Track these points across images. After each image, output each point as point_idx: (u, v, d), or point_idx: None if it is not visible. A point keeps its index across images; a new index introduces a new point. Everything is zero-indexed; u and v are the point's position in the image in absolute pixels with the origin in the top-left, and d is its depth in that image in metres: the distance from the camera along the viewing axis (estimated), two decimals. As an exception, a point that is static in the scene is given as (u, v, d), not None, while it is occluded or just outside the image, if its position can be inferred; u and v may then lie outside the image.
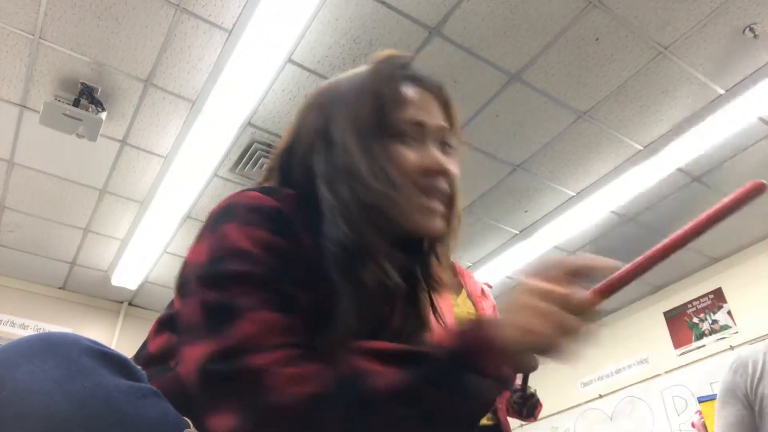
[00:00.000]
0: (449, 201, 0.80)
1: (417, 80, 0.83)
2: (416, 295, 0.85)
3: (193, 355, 0.61)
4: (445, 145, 0.81)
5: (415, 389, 0.59)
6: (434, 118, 0.81)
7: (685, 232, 0.65)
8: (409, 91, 0.81)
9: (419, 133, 0.79)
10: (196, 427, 0.60)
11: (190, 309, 0.65)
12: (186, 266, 0.70)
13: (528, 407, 1.62)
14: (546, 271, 0.64)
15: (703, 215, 0.65)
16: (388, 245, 0.73)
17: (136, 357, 0.75)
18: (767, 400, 1.43)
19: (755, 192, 0.65)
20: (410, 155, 0.77)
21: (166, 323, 0.74)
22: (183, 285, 0.69)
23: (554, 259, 0.66)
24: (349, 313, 0.67)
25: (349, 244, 0.70)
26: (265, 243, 0.67)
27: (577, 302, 0.61)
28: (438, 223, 0.78)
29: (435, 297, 0.87)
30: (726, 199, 0.65)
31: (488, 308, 1.96)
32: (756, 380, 1.47)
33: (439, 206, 0.78)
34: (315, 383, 0.58)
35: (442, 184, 0.78)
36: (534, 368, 0.63)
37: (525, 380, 1.59)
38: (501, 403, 1.75)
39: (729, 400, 1.48)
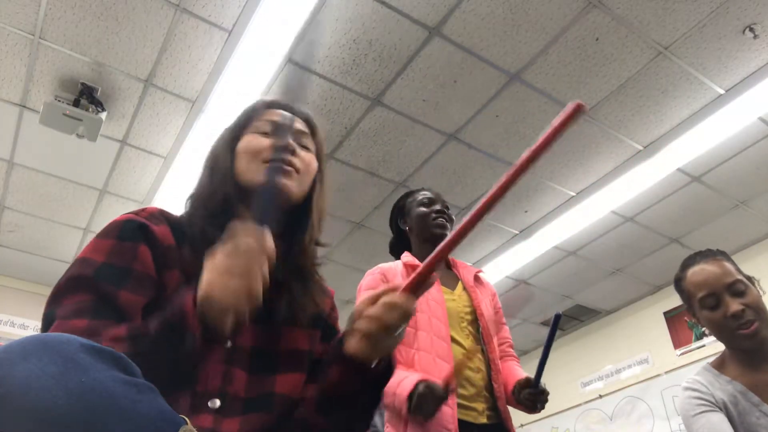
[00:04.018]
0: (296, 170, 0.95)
1: (277, 104, 1.03)
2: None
3: None
4: (301, 146, 0.99)
5: (131, 356, 0.68)
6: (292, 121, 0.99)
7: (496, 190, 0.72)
8: (271, 106, 1.02)
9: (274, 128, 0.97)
10: None
11: None
12: None
13: (541, 402, 1.65)
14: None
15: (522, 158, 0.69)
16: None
17: None
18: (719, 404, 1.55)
19: (575, 114, 0.68)
20: (262, 140, 0.96)
21: None
22: None
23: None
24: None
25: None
26: (108, 248, 0.81)
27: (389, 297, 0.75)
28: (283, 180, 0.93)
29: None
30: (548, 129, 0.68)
31: (486, 296, 1.87)
32: (711, 389, 1.60)
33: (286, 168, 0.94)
34: None
35: (286, 156, 0.94)
36: (220, 324, 0.70)
37: (538, 376, 1.60)
38: (501, 402, 1.72)
39: (701, 408, 1.54)
